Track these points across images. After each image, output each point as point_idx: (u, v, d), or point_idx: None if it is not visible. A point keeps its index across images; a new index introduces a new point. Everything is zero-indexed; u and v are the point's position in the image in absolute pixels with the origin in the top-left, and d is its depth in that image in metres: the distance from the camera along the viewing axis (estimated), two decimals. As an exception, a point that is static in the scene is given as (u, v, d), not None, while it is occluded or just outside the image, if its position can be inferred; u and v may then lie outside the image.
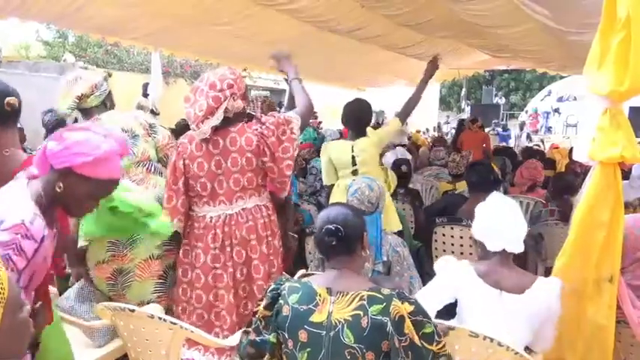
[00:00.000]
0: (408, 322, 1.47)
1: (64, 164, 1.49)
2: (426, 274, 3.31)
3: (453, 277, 2.02)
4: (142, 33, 4.95)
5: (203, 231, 2.43)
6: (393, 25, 4.88)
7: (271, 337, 1.62)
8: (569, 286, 1.96)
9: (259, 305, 1.67)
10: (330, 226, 1.60)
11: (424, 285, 2.57)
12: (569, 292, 1.97)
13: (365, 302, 1.51)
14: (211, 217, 2.42)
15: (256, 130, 2.39)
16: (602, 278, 1.97)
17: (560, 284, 1.95)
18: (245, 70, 7.74)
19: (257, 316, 1.66)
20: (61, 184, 1.51)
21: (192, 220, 2.48)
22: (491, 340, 1.75)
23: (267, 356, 1.64)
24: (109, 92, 2.71)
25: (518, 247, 1.98)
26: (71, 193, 1.53)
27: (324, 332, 1.52)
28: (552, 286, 1.95)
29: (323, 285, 1.58)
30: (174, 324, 1.90)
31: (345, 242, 1.61)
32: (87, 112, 2.65)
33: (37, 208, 1.47)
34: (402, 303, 1.50)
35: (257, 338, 1.65)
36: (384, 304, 1.50)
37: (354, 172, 3.32)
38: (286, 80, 2.79)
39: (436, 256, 3.46)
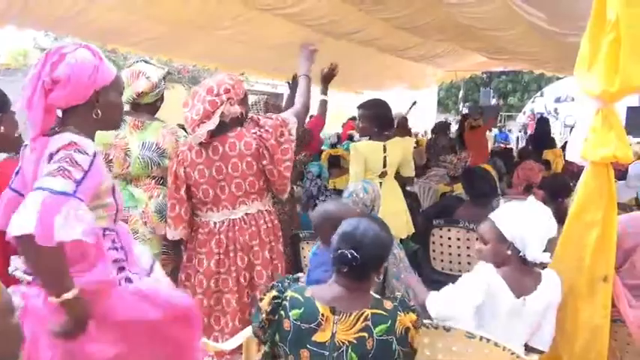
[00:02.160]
0: (412, 332, 1.51)
1: (90, 91, 1.57)
2: (424, 275, 3.32)
3: (485, 283, 1.95)
4: (139, 39, 4.96)
5: (207, 236, 2.45)
6: (391, 28, 4.89)
7: (266, 347, 1.62)
8: (564, 286, 1.97)
9: (262, 300, 1.64)
10: (346, 252, 1.50)
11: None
12: (564, 292, 1.98)
13: (369, 323, 1.49)
14: (215, 223, 2.44)
15: (255, 133, 2.40)
16: (596, 278, 1.99)
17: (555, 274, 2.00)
18: (242, 74, 7.75)
19: (262, 317, 1.62)
20: (98, 110, 1.60)
21: (197, 225, 2.50)
22: (488, 340, 1.76)
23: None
24: (163, 92, 2.72)
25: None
26: (110, 106, 1.64)
27: (327, 353, 1.50)
28: (553, 274, 2.00)
29: (326, 303, 1.54)
30: (172, 328, 1.90)
31: (358, 270, 1.53)
32: (136, 107, 2.64)
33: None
34: (407, 314, 1.51)
35: (262, 336, 1.64)
36: (389, 321, 1.49)
37: (382, 175, 3.29)
38: (288, 83, 2.82)
39: (434, 258, 3.46)
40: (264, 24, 4.59)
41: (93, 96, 1.59)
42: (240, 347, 2.09)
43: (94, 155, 1.53)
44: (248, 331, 2.12)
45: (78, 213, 1.39)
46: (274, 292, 1.61)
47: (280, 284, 1.65)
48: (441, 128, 7.34)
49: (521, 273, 1.97)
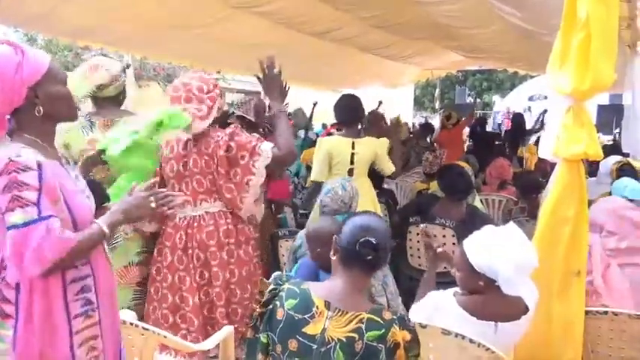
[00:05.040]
0: (401, 350, 1.50)
1: (23, 90, 1.43)
2: (401, 272, 3.35)
3: (432, 302, 1.94)
4: (112, 38, 4.88)
5: (172, 230, 2.44)
6: (368, 27, 4.91)
7: (262, 338, 1.60)
8: (537, 282, 1.99)
9: (259, 303, 1.63)
10: (370, 239, 1.53)
11: (398, 284, 2.60)
12: (538, 289, 2.01)
13: (363, 326, 1.49)
14: (180, 218, 2.43)
15: (218, 136, 2.38)
16: (569, 272, 2.02)
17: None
18: (219, 72, 7.69)
19: (255, 313, 1.62)
20: (39, 107, 1.46)
21: (167, 218, 2.47)
22: (463, 337, 1.78)
23: (259, 356, 1.60)
24: (124, 84, 2.68)
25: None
26: (51, 99, 1.48)
27: (316, 346, 1.49)
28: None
29: (322, 297, 1.54)
30: (147, 329, 1.88)
31: (375, 259, 1.55)
32: (99, 101, 2.60)
33: (25, 145, 1.43)
34: (401, 330, 1.51)
35: (254, 336, 1.63)
36: (383, 330, 1.49)
37: (350, 172, 3.22)
38: (257, 77, 2.78)
39: (410, 255, 3.49)
40: (241, 22, 4.56)
41: (30, 94, 1.44)
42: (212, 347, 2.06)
43: (39, 167, 1.38)
44: (224, 331, 2.10)
45: (54, 232, 1.37)
46: (272, 285, 1.62)
47: (278, 279, 1.65)
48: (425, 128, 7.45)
49: (500, 301, 1.87)
